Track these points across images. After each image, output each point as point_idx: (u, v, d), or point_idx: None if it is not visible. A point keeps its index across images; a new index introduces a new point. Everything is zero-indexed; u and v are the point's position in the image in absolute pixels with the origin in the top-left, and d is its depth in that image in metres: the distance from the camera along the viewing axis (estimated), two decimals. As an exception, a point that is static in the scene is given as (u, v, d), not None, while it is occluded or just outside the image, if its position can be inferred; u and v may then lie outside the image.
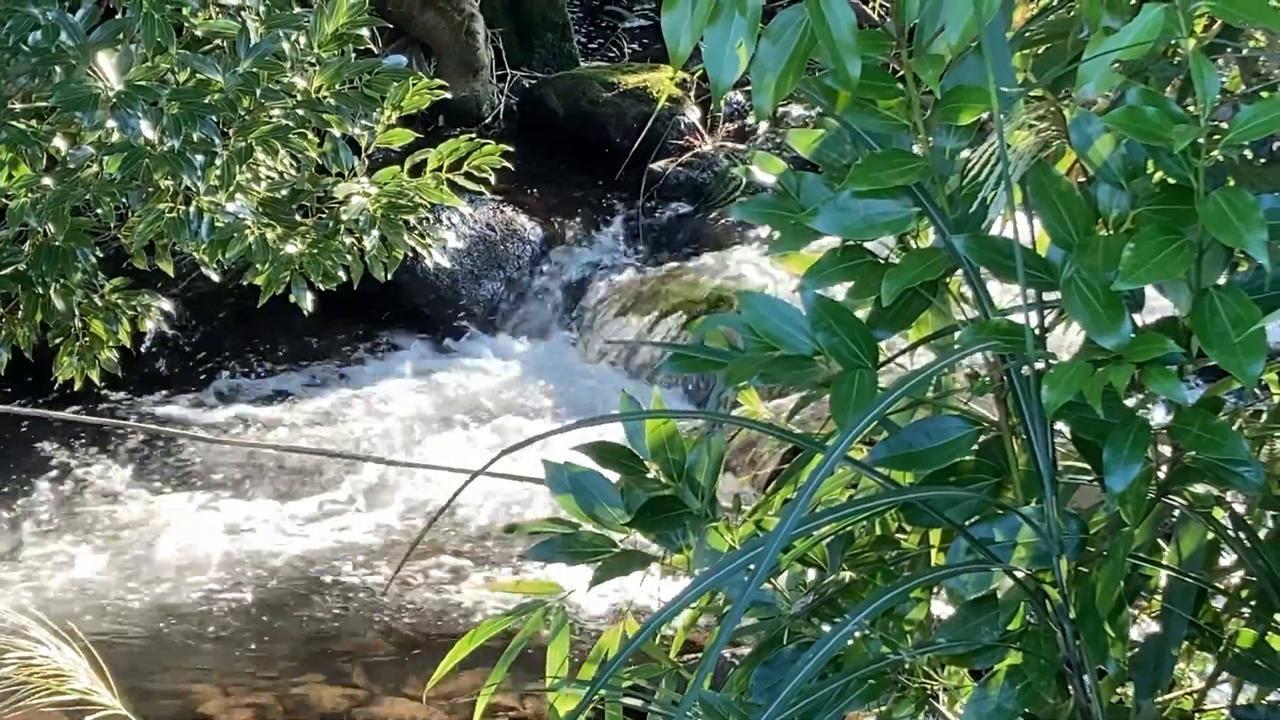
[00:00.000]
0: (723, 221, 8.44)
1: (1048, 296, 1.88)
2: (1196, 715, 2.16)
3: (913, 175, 1.86)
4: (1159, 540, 1.99)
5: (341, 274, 4.52)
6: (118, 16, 3.93)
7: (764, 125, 8.93)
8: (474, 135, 4.56)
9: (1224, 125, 1.67)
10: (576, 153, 9.01)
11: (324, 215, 4.47)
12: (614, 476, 2.20)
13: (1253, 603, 1.99)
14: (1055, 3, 2.14)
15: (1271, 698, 2.11)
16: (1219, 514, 1.95)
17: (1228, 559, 2.04)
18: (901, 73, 1.89)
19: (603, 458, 2.19)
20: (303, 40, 4.16)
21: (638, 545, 2.23)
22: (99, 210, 4.21)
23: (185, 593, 6.06)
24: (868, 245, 1.97)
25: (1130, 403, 1.79)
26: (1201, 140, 1.64)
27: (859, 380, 1.86)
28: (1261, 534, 1.99)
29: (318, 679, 5.57)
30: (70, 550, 6.33)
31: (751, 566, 1.67)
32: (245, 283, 4.62)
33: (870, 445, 1.95)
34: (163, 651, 5.70)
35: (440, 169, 4.47)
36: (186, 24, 4.06)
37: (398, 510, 6.60)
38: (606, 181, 8.81)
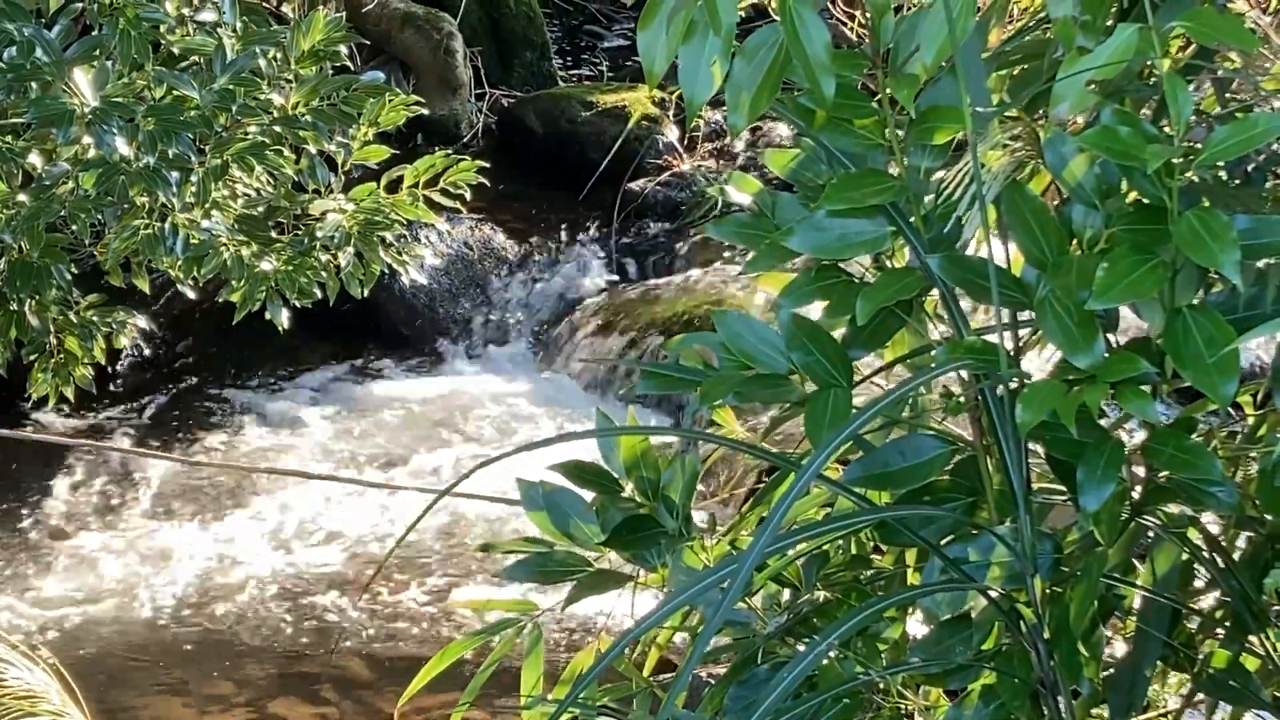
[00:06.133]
0: (700, 240, 8.45)
1: (1022, 316, 1.88)
2: (1171, 736, 2.16)
3: (888, 195, 1.86)
4: (1133, 560, 1.99)
5: (317, 291, 4.51)
6: (94, 33, 3.93)
7: (741, 143, 8.94)
8: (451, 153, 4.55)
9: (1198, 145, 1.67)
10: (555, 171, 9.01)
11: (300, 232, 4.46)
12: (589, 495, 2.20)
13: (1227, 623, 2.00)
14: (1031, 23, 2.14)
15: (1246, 719, 2.11)
16: (1193, 534, 1.95)
17: (1202, 579, 2.04)
18: (878, 93, 1.89)
19: (577, 476, 2.18)
20: (279, 57, 4.16)
21: (613, 564, 2.22)
22: (74, 227, 4.20)
23: (156, 612, 6.02)
24: (843, 264, 1.97)
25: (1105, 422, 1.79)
26: (1175, 160, 1.64)
27: (833, 399, 1.86)
28: (1235, 555, 1.99)
29: (291, 698, 5.55)
30: (41, 570, 6.30)
31: (725, 585, 1.67)
32: (221, 300, 4.61)
33: (846, 464, 1.95)
34: (134, 672, 5.67)
35: (416, 185, 4.47)
36: (163, 41, 4.05)
37: (371, 528, 6.58)
38: (585, 200, 8.81)
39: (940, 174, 1.93)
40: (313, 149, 4.31)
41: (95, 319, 4.72)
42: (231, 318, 4.56)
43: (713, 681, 2.13)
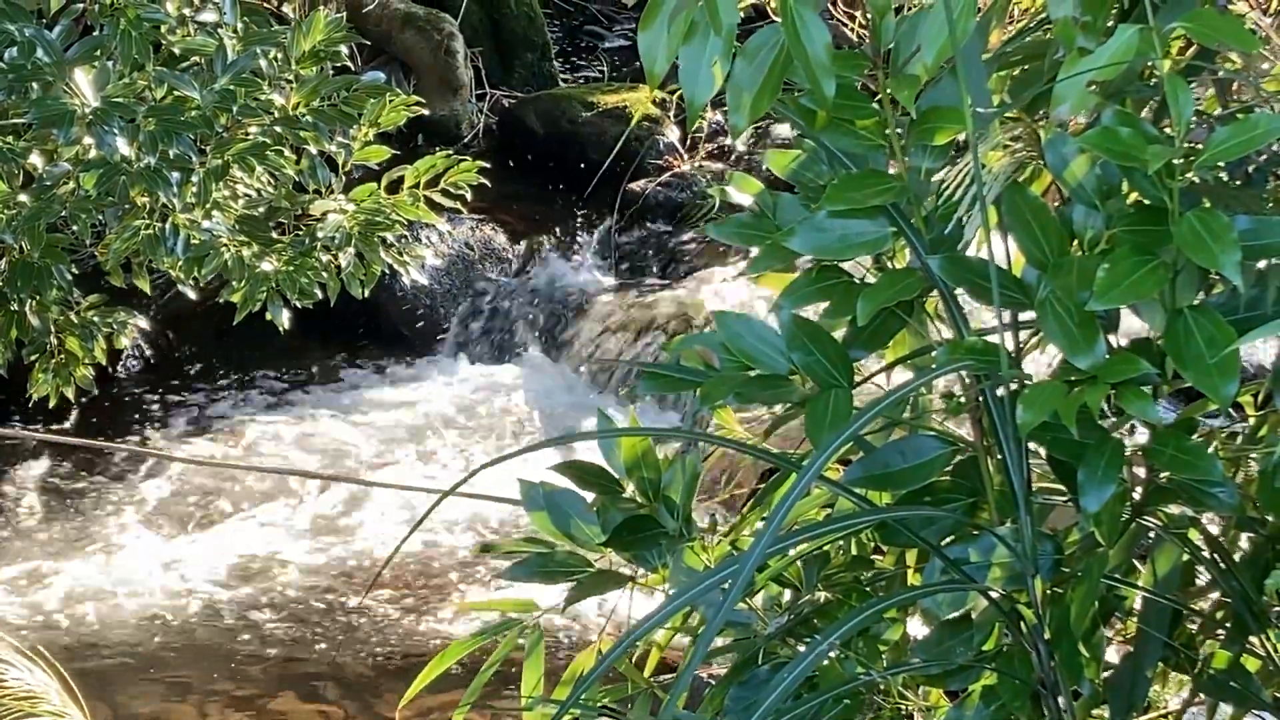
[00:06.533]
0: (701, 241, 8.45)
1: (1023, 317, 1.88)
2: (1171, 736, 2.16)
3: (889, 195, 1.86)
4: (1134, 561, 1.99)
5: (318, 291, 4.51)
6: (95, 33, 3.93)
7: (742, 144, 8.94)
8: (452, 154, 4.55)
9: (1199, 146, 1.67)
10: (556, 172, 9.01)
11: (301, 232, 4.46)
12: (590, 495, 2.20)
13: (1227, 624, 2.00)
14: (1031, 24, 2.14)
15: None
16: (1194, 535, 1.95)
17: (1203, 580, 2.04)
18: (879, 94, 1.89)
19: (578, 477, 2.18)
20: (280, 57, 4.16)
21: (614, 564, 2.22)
22: (75, 227, 4.20)
23: (157, 613, 6.02)
24: (844, 265, 1.97)
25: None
26: (1176, 161, 1.64)
27: (834, 400, 1.86)
28: (1236, 555, 1.99)
29: (292, 698, 5.55)
30: (42, 570, 6.30)
31: (726, 585, 1.67)
32: (222, 300, 4.61)
33: (846, 465, 1.95)
34: (135, 672, 5.67)
35: (417, 186, 4.47)
36: (164, 41, 4.05)
37: (372, 529, 6.58)
38: (586, 201, 8.81)
39: (941, 175, 1.93)
40: (313, 149, 4.31)
41: (96, 319, 4.72)
42: (232, 318, 4.56)
43: (713, 682, 2.13)
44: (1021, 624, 1.87)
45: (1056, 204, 1.87)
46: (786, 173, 2.04)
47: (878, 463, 1.88)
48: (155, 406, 7.52)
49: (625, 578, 2.20)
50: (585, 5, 11.27)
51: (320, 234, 4.40)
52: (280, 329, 4.59)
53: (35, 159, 4.11)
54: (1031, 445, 1.84)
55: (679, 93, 1.75)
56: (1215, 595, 2.04)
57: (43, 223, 4.17)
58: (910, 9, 1.90)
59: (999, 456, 1.83)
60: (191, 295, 4.82)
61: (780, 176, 2.05)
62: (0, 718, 3.00)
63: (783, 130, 8.73)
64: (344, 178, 4.45)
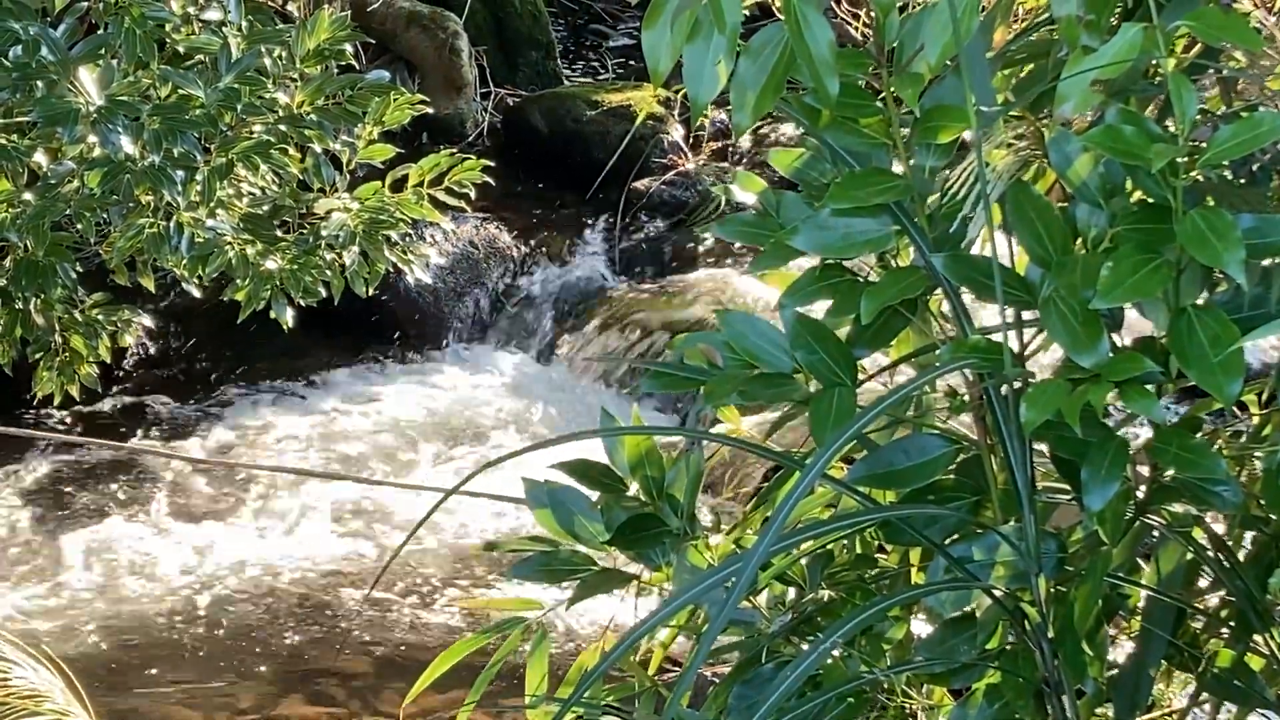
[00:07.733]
0: (705, 240, 8.45)
1: (1027, 315, 1.88)
2: (1175, 735, 2.16)
3: (892, 194, 1.86)
4: (1138, 560, 1.99)
5: (322, 290, 4.52)
6: (99, 32, 3.93)
7: (746, 143, 8.94)
8: (456, 152, 4.56)
9: (1203, 145, 1.67)
10: (560, 171, 9.01)
11: (305, 231, 4.47)
12: (594, 493, 2.20)
13: (1231, 623, 1.99)
14: (1036, 23, 2.14)
15: (1251, 719, 2.11)
16: (1198, 534, 1.95)
17: (1207, 579, 2.04)
18: (883, 92, 1.89)
19: (582, 475, 2.18)
20: (285, 56, 4.17)
21: (618, 563, 2.22)
22: (79, 225, 4.21)
23: (162, 612, 6.03)
24: (847, 263, 1.97)
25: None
26: (1180, 159, 1.64)
27: (838, 398, 1.86)
28: (1240, 554, 1.99)
29: (296, 698, 5.55)
30: (45, 569, 6.30)
31: (730, 584, 1.67)
32: (226, 298, 4.62)
33: (850, 464, 1.95)
34: (139, 672, 5.67)
35: (421, 184, 4.48)
36: (168, 40, 4.06)
37: (376, 528, 6.58)
38: (590, 200, 8.81)
39: (945, 173, 1.93)
40: (318, 148, 4.31)
41: (100, 317, 4.73)
42: (236, 316, 4.57)
43: (717, 680, 2.13)
44: (1025, 622, 1.87)
45: (1060, 202, 1.87)
46: (790, 171, 2.04)
47: (881, 461, 1.88)
48: (158, 405, 7.52)
49: (629, 576, 2.20)
50: (590, 4, 11.28)
51: (324, 232, 4.40)
52: (284, 327, 4.59)
53: (40, 157, 4.12)
54: (1035, 443, 1.84)
55: (683, 91, 1.76)
56: (1219, 594, 2.04)
57: (47, 221, 4.18)
58: (914, 7, 1.90)
59: (1002, 455, 1.83)
60: (196, 293, 4.84)
61: (784, 175, 2.05)
62: (4, 717, 3.01)
63: (787, 128, 8.74)
64: (348, 176, 4.45)
